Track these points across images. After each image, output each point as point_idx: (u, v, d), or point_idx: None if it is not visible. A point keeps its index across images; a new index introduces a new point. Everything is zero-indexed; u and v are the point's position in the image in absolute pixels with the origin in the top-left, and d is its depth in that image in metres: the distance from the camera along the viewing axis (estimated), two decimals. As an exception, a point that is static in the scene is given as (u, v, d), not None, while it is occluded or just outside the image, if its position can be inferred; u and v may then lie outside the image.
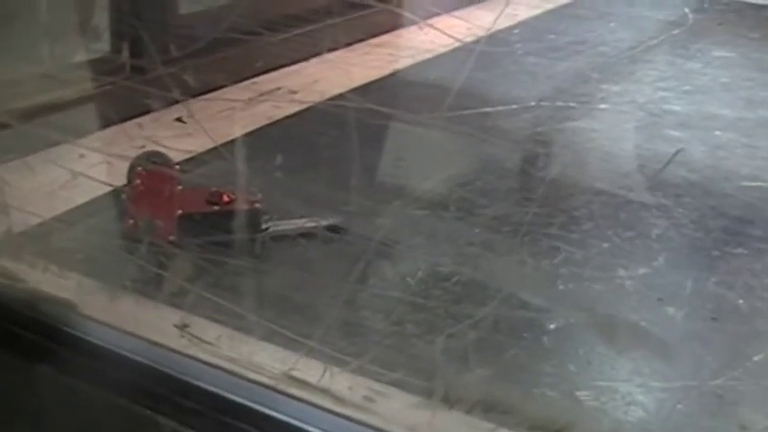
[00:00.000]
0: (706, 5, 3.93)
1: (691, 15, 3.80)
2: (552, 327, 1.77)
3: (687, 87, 3.03)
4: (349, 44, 3.20)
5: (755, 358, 1.70)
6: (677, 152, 2.56)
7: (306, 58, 2.99)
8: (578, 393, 1.61)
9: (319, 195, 2.10)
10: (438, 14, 3.61)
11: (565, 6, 4.05)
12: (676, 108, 2.87)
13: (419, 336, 1.70)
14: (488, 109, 2.75)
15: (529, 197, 2.35)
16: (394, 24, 3.47)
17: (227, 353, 1.39)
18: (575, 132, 2.69)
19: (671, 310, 1.86)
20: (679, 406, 1.61)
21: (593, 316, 1.84)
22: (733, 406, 1.58)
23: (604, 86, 3.04)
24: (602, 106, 2.89)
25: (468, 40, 3.40)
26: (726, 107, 2.89)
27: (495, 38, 3.45)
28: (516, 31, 3.57)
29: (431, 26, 3.48)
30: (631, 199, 2.31)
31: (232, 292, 1.69)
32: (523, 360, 1.68)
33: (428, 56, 3.22)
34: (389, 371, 1.41)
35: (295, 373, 1.33)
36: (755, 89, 3.04)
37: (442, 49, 3.28)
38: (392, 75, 3.10)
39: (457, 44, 3.33)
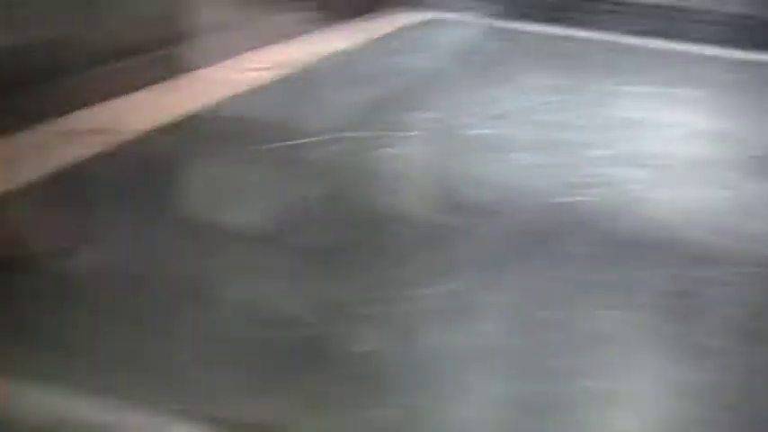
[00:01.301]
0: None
1: (494, 44, 3.96)
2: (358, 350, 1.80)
3: (487, 112, 3.15)
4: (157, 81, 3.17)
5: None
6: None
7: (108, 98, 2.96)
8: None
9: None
10: (251, 49, 3.66)
11: (382, 38, 4.15)
12: (478, 132, 2.97)
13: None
14: (293, 142, 2.79)
15: (335, 225, 2.39)
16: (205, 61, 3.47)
17: None
18: (385, 160, 2.75)
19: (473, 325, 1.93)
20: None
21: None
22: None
23: (409, 114, 3.12)
24: (412, 133, 2.96)
25: (284, 72, 3.47)
26: (525, 130, 3.03)
27: (307, 70, 3.51)
28: (330, 63, 3.63)
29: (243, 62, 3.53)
30: (435, 221, 2.38)
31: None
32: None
33: (243, 89, 3.25)
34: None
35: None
36: (551, 112, 3.19)
37: (255, 84, 3.32)
38: (201, 111, 3.10)
39: (273, 77, 3.39)
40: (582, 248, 2.26)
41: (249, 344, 1.78)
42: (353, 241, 2.26)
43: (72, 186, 2.40)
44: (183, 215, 2.32)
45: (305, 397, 1.62)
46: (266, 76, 3.35)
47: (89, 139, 2.66)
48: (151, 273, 2.00)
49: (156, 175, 2.53)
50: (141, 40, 3.07)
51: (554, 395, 1.70)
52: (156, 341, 1.73)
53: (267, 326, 1.84)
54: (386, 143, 2.81)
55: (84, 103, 2.87)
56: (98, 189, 2.43)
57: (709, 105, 3.31)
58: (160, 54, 3.15)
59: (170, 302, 1.88)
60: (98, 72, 2.93)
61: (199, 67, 3.29)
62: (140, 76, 3.04)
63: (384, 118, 3.01)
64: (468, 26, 4.40)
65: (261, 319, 1.87)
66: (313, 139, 2.79)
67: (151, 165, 2.59)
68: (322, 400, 1.63)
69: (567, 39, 4.31)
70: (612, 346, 1.89)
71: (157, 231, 2.19)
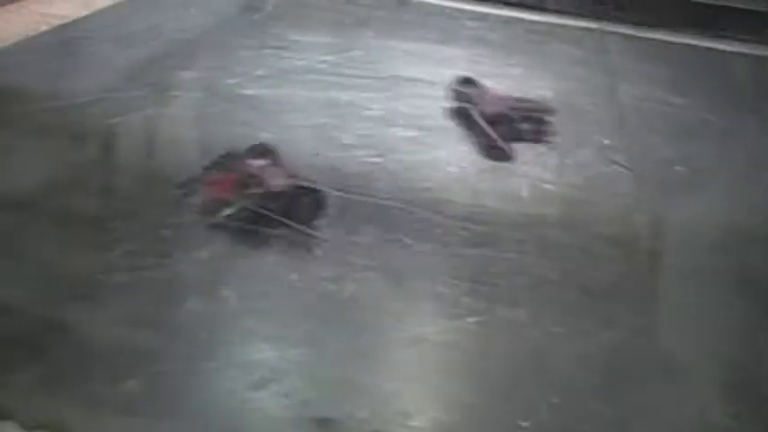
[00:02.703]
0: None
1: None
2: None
3: (260, 72, 3.14)
4: None
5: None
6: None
7: None
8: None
9: None
10: (13, 2, 3.49)
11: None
12: (249, 92, 2.96)
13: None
14: (57, 103, 2.70)
15: (95, 190, 2.34)
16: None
17: None
18: (147, 121, 2.69)
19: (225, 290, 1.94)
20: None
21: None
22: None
23: (179, 73, 3.06)
24: (175, 93, 2.91)
25: (43, 29, 3.33)
26: (300, 90, 3.03)
27: (70, 27, 3.39)
28: (94, 19, 3.51)
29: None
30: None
31: None
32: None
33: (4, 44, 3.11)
34: None
35: None
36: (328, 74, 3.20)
37: (16, 38, 3.18)
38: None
39: (32, 33, 3.25)
40: (342, 210, 2.30)
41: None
42: (110, 206, 2.23)
43: None
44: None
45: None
46: (27, 32, 3.22)
47: None
48: None
49: None
50: None
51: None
52: None
53: None
54: (150, 104, 2.76)
55: None
56: None
57: (471, 65, 3.40)
58: None
59: None
60: None
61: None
62: None
63: (151, 78, 2.95)
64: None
65: None
66: (78, 100, 2.71)
67: None
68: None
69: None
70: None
71: None
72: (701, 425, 1.74)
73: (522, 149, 2.75)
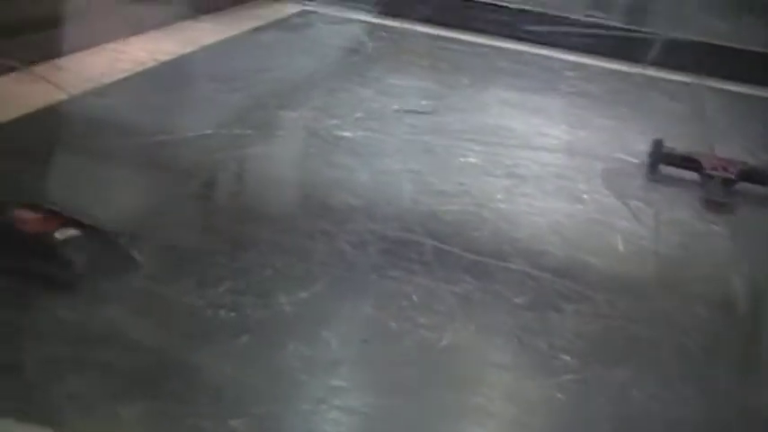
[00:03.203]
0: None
1: (370, 43, 4.00)
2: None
3: (359, 114, 3.19)
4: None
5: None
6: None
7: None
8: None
9: None
10: (117, 39, 3.61)
11: (254, 31, 4.14)
12: (347, 134, 3.01)
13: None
14: (164, 137, 2.78)
15: (201, 225, 2.40)
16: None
17: None
18: (250, 160, 2.76)
19: (326, 333, 1.97)
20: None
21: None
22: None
23: (283, 113, 3.13)
24: (280, 133, 2.98)
25: (151, 65, 3.43)
26: (395, 134, 3.08)
27: (175, 64, 3.49)
28: (199, 56, 3.61)
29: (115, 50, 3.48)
30: (298, 225, 2.42)
31: None
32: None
33: (110, 80, 3.21)
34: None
35: None
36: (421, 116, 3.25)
37: (123, 75, 3.28)
38: (65, 102, 3.05)
39: (138, 69, 3.35)
40: (439, 259, 2.33)
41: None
42: (215, 242, 2.28)
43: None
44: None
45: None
46: (134, 68, 3.32)
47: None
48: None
49: (16, 165, 2.50)
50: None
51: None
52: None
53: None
54: (252, 143, 2.82)
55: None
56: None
57: (572, 115, 3.42)
58: (21, 39, 3.08)
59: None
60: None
61: (61, 55, 3.23)
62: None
63: (251, 117, 3.02)
64: (344, 22, 4.42)
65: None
66: (181, 135, 2.79)
67: (8, 157, 2.55)
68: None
69: (446, 40, 4.37)
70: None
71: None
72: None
73: (615, 206, 2.76)
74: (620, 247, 2.55)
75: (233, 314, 1.99)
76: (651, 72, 4.08)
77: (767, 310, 2.25)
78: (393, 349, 1.97)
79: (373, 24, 4.39)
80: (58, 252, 2.01)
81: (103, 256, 2.09)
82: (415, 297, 2.16)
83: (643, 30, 4.37)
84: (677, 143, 3.21)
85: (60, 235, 2.04)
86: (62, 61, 3.22)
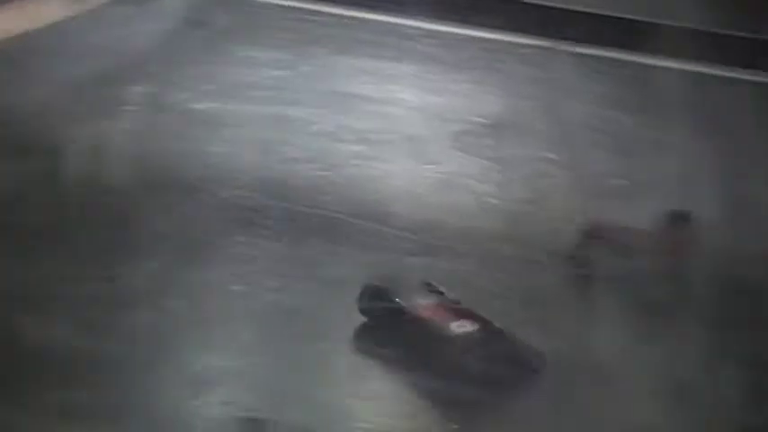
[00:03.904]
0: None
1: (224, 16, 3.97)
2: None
3: (210, 87, 3.18)
4: None
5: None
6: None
7: None
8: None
9: None
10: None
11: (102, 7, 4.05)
12: (198, 107, 3.00)
13: None
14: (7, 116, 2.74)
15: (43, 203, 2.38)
16: None
17: None
18: (97, 135, 2.73)
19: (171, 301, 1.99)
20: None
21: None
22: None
23: (131, 88, 3.09)
24: (128, 108, 2.94)
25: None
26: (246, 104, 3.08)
27: (19, 40, 3.41)
28: (44, 33, 3.53)
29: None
30: (147, 198, 2.41)
31: None
32: None
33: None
34: None
35: None
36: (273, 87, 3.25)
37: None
38: None
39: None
40: (288, 223, 2.36)
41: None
42: (59, 219, 2.27)
43: None
44: None
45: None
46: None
47: None
48: None
49: None
50: None
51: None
52: None
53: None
54: (99, 118, 2.79)
55: None
56: None
57: (426, 80, 3.48)
58: None
59: None
60: None
61: None
62: None
63: (98, 92, 2.99)
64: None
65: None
66: (20, 114, 2.74)
67: None
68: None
69: (304, 11, 4.35)
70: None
71: None
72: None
73: (467, 164, 2.83)
74: (468, 204, 2.62)
75: (74, 287, 1.99)
76: (502, 37, 4.16)
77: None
78: (235, 311, 2.00)
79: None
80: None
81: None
82: (261, 261, 2.19)
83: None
84: (525, 104, 3.31)
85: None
86: None
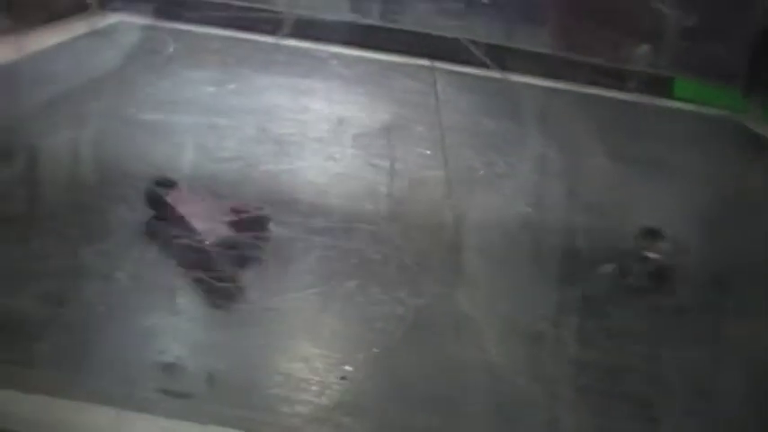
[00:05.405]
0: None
1: (172, 45, 3.95)
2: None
3: (157, 101, 3.18)
4: None
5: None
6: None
7: None
8: None
9: None
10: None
11: (73, 40, 3.99)
12: (146, 117, 3.00)
13: None
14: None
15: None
16: None
17: None
18: (61, 142, 2.72)
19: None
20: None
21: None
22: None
23: (91, 104, 3.08)
24: (88, 119, 2.92)
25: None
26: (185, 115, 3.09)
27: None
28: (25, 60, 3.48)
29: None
30: (101, 191, 2.42)
31: None
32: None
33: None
34: None
35: None
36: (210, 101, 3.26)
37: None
38: None
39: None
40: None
41: None
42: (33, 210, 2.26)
43: None
44: None
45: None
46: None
47: None
48: None
49: None
50: None
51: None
52: None
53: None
54: (62, 128, 2.78)
55: None
56: None
57: (333, 93, 3.53)
58: None
59: None
60: None
61: None
62: None
63: (67, 107, 2.97)
64: (151, 29, 4.34)
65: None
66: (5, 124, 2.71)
67: None
68: None
69: (234, 40, 4.35)
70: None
71: None
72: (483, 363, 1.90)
73: (363, 161, 2.89)
74: (362, 192, 2.68)
75: (41, 263, 2.00)
76: (392, 58, 4.23)
77: (470, 236, 2.42)
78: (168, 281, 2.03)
79: (178, 30, 4.32)
80: None
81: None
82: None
83: (392, 24, 4.52)
84: (410, 111, 3.38)
85: None
86: None
